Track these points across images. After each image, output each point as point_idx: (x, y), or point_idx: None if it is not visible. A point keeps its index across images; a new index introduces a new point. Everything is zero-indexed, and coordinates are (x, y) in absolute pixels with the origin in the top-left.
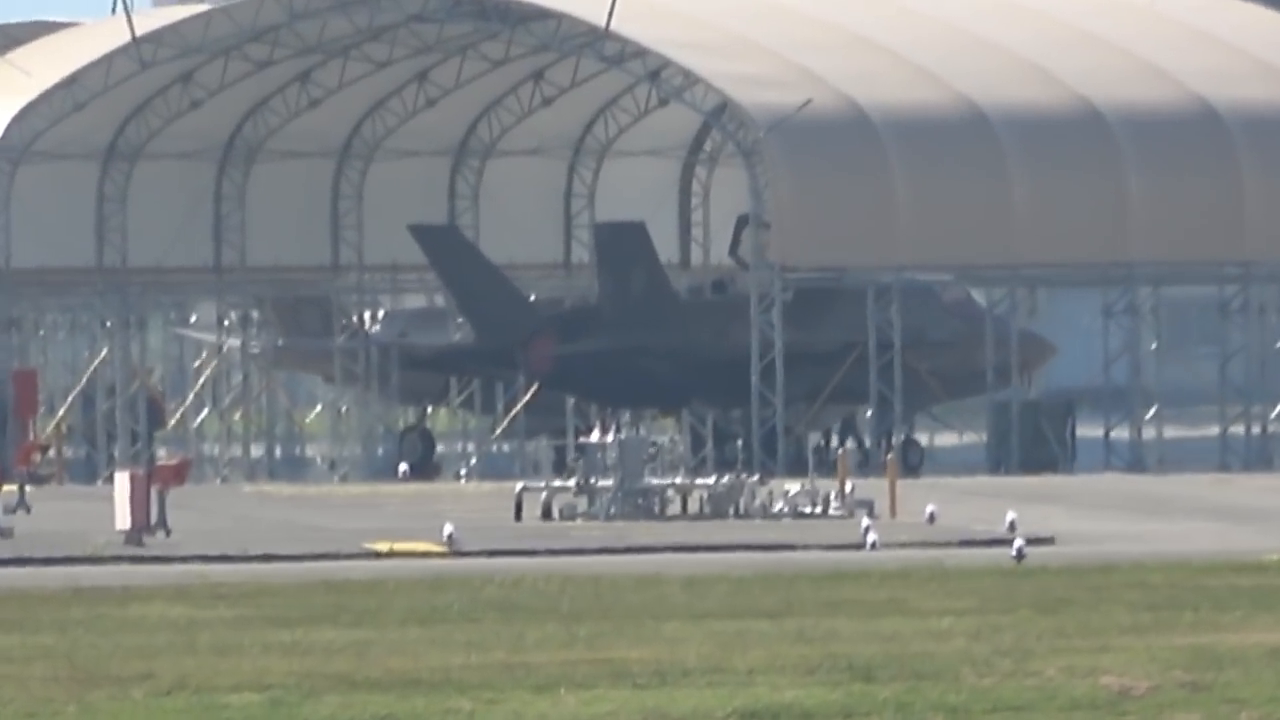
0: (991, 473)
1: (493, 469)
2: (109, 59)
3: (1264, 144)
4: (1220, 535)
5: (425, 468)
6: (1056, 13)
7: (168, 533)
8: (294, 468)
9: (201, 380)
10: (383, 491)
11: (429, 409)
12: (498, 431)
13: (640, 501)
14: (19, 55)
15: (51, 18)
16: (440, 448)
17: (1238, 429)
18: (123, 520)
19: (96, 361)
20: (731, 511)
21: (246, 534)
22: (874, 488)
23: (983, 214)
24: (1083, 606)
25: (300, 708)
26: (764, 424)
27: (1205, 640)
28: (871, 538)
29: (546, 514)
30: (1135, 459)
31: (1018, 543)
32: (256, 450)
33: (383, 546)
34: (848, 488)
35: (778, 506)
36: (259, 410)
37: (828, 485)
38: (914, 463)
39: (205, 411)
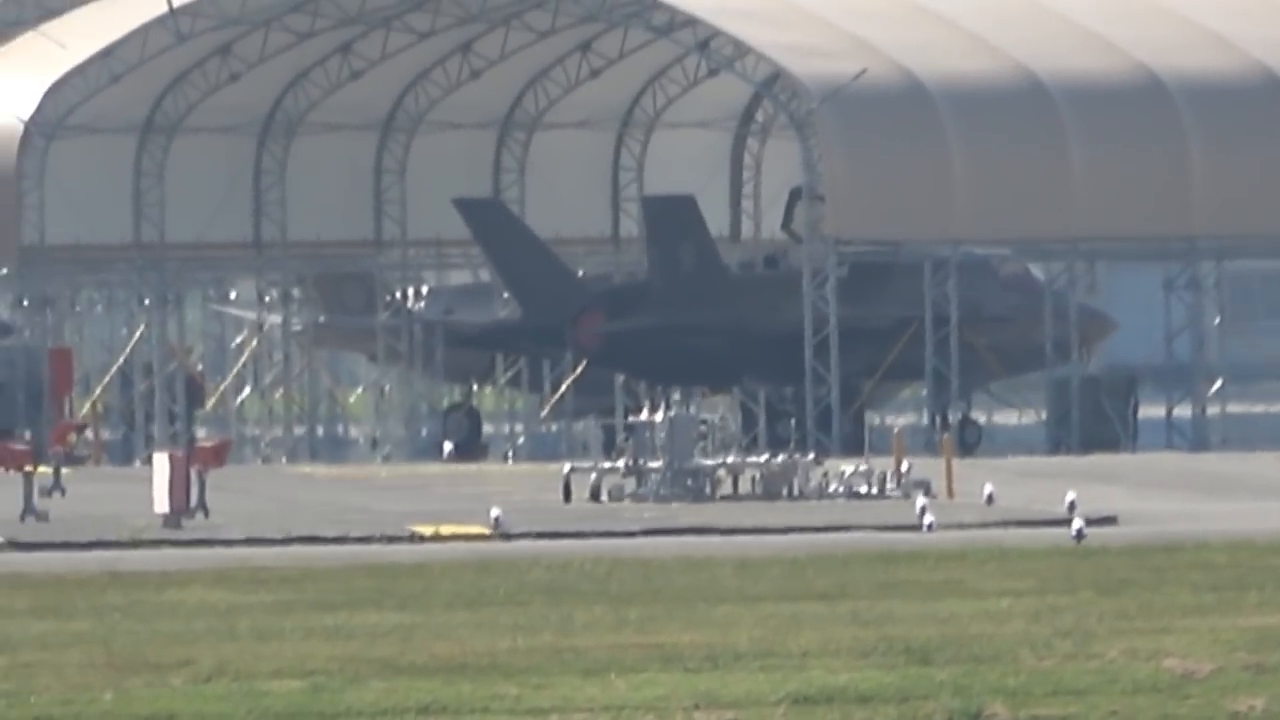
0: (1051, 451)
1: (540, 449)
2: (145, 31)
3: None
4: None
5: (471, 448)
6: None
7: (207, 515)
8: (336, 448)
9: (242, 359)
10: (427, 472)
11: (474, 387)
12: (545, 411)
13: (690, 482)
14: (53, 27)
15: None
16: (486, 427)
17: None
18: (161, 503)
19: (134, 340)
20: (785, 492)
21: (288, 516)
22: (931, 467)
23: (1041, 186)
24: (1144, 587)
25: (343, 694)
26: (818, 402)
27: (1270, 622)
28: (928, 518)
29: (595, 495)
30: (1198, 437)
31: (1077, 523)
32: (298, 430)
33: (428, 529)
34: (904, 467)
35: (832, 487)
36: (300, 389)
37: (884, 465)
38: (971, 441)
39: (246, 391)
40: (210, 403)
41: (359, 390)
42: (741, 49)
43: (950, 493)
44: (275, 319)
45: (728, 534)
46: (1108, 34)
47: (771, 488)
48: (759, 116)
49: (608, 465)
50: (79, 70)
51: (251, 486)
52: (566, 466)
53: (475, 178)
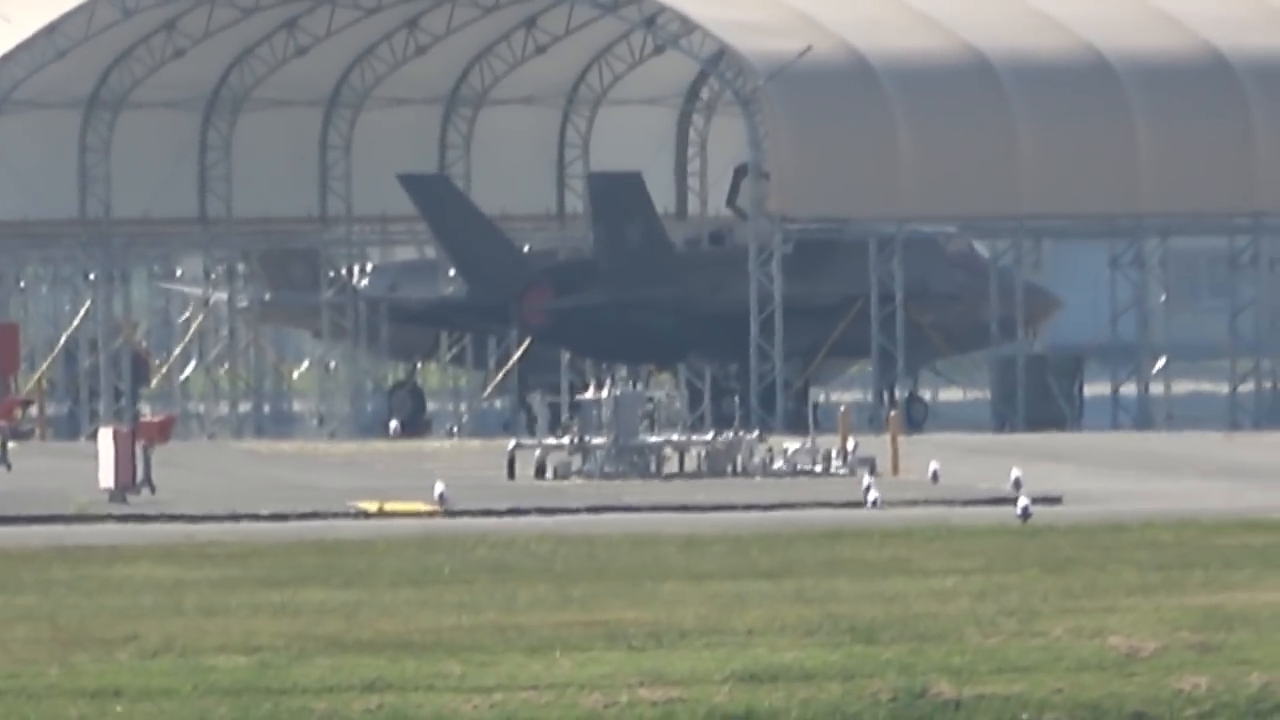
0: (996, 430)
1: (485, 426)
2: (91, 6)
3: (1275, 93)
4: (1230, 493)
5: (416, 425)
6: None
7: (153, 491)
8: (282, 424)
9: (187, 335)
10: (373, 449)
11: (419, 364)
12: (490, 388)
13: (636, 459)
14: None
15: None
16: (431, 404)
17: (1248, 384)
18: (107, 478)
19: (79, 315)
20: (730, 469)
21: (234, 492)
22: (876, 445)
23: (987, 164)
24: (1090, 566)
25: (289, 670)
26: (763, 379)
27: (1214, 600)
28: (873, 496)
29: (540, 472)
30: (1143, 415)
31: (1023, 501)
32: (244, 406)
33: (373, 506)
34: (849, 445)
35: (777, 464)
36: (246, 366)
37: (829, 442)
38: (917, 419)
39: (191, 367)
40: (156, 379)
41: (304, 366)
42: (687, 25)
43: (896, 470)
44: (221, 295)
45: (673, 511)
46: (1054, 12)
47: (717, 465)
48: (704, 93)
49: (553, 442)
50: (24, 46)
51: (197, 462)
52: (511, 443)
53: (421, 154)
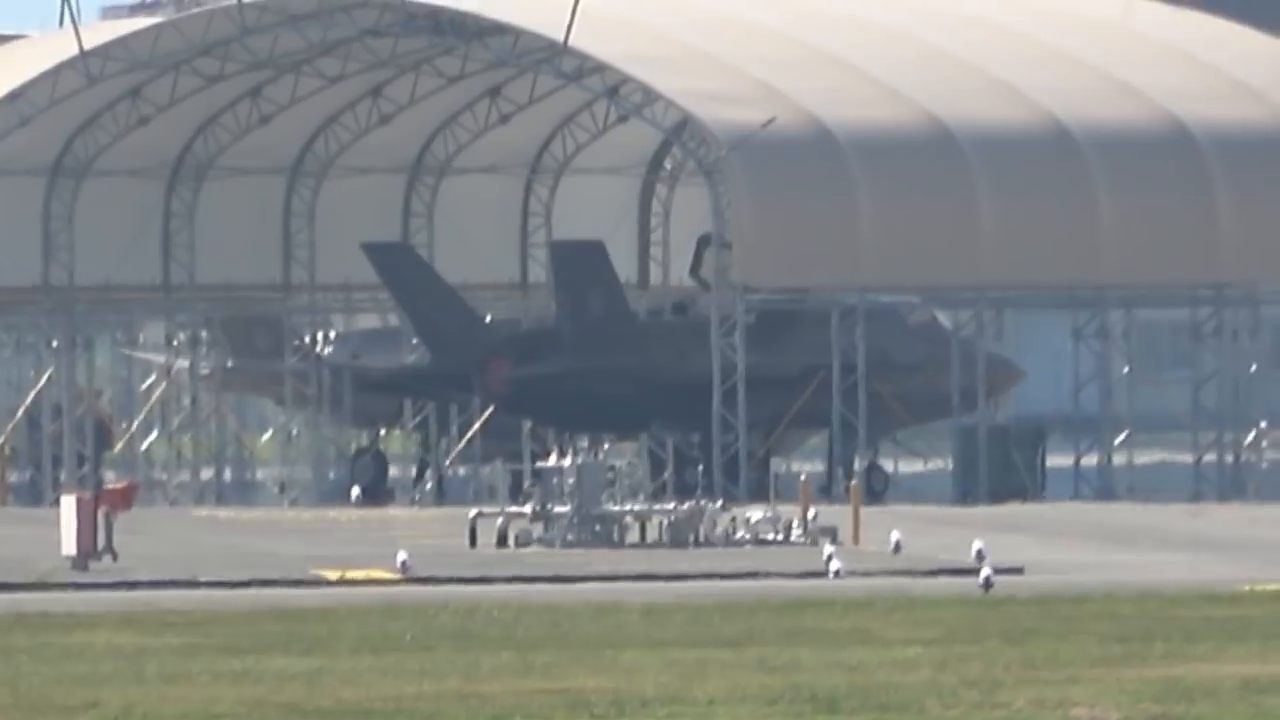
0: (958, 500)
1: (447, 494)
2: (55, 73)
3: (1237, 164)
4: (1192, 565)
5: (378, 492)
6: (1026, 29)
7: (115, 558)
8: (244, 492)
9: (150, 402)
10: (335, 516)
11: (382, 432)
12: (452, 456)
13: (598, 528)
14: None
15: None
16: (393, 471)
17: (1211, 456)
18: (69, 545)
19: (42, 382)
20: (692, 539)
21: (195, 560)
22: (838, 515)
23: (949, 234)
24: (1051, 637)
25: None
26: (726, 449)
27: (1176, 672)
28: (835, 566)
29: (502, 540)
30: (1105, 486)
31: (985, 572)
32: (206, 474)
33: (334, 573)
34: (810, 514)
35: (739, 534)
36: (208, 433)
37: (790, 512)
38: (879, 489)
39: (154, 434)
40: (118, 446)
41: (267, 434)
42: (650, 95)
43: (857, 540)
44: (183, 362)
45: (635, 580)
46: (1017, 83)
47: (679, 534)
48: (668, 163)
49: (515, 510)
50: None
51: (159, 529)
52: (473, 511)
53: (384, 222)
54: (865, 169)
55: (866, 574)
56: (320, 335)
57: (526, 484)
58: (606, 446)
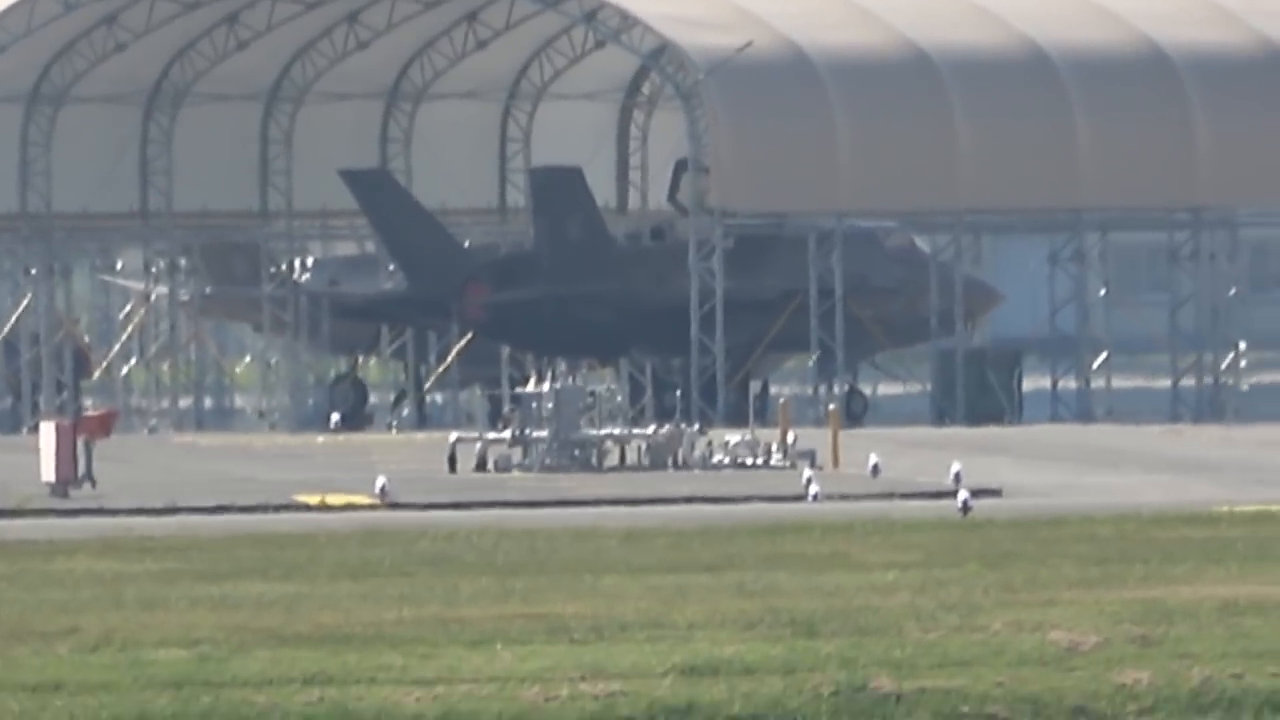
0: (936, 423)
1: (427, 419)
2: (32, 1)
3: (1214, 87)
4: (1170, 487)
5: (357, 418)
6: None
7: (94, 485)
8: (223, 418)
9: (128, 329)
10: (314, 442)
11: (360, 358)
12: (430, 381)
13: (577, 453)
14: None
15: None
16: (372, 398)
17: (1189, 379)
18: (48, 472)
19: (20, 309)
20: (671, 462)
21: (174, 486)
22: (816, 438)
23: (927, 159)
24: (1030, 560)
25: (228, 663)
26: (704, 373)
27: (1155, 594)
28: (813, 490)
29: (481, 466)
30: (1083, 409)
31: (963, 495)
32: (185, 401)
33: (313, 499)
34: (789, 438)
35: (718, 457)
36: (187, 360)
37: (769, 435)
38: (857, 412)
39: (132, 361)
40: (97, 373)
41: (245, 361)
42: (628, 21)
43: (836, 464)
44: (162, 289)
45: (614, 504)
46: (992, 6)
47: (658, 458)
48: (645, 88)
49: (494, 436)
50: None
51: (138, 456)
52: (453, 437)
53: (362, 148)
54: (842, 94)
55: (845, 497)
56: (298, 262)
57: (505, 409)
58: (585, 371)
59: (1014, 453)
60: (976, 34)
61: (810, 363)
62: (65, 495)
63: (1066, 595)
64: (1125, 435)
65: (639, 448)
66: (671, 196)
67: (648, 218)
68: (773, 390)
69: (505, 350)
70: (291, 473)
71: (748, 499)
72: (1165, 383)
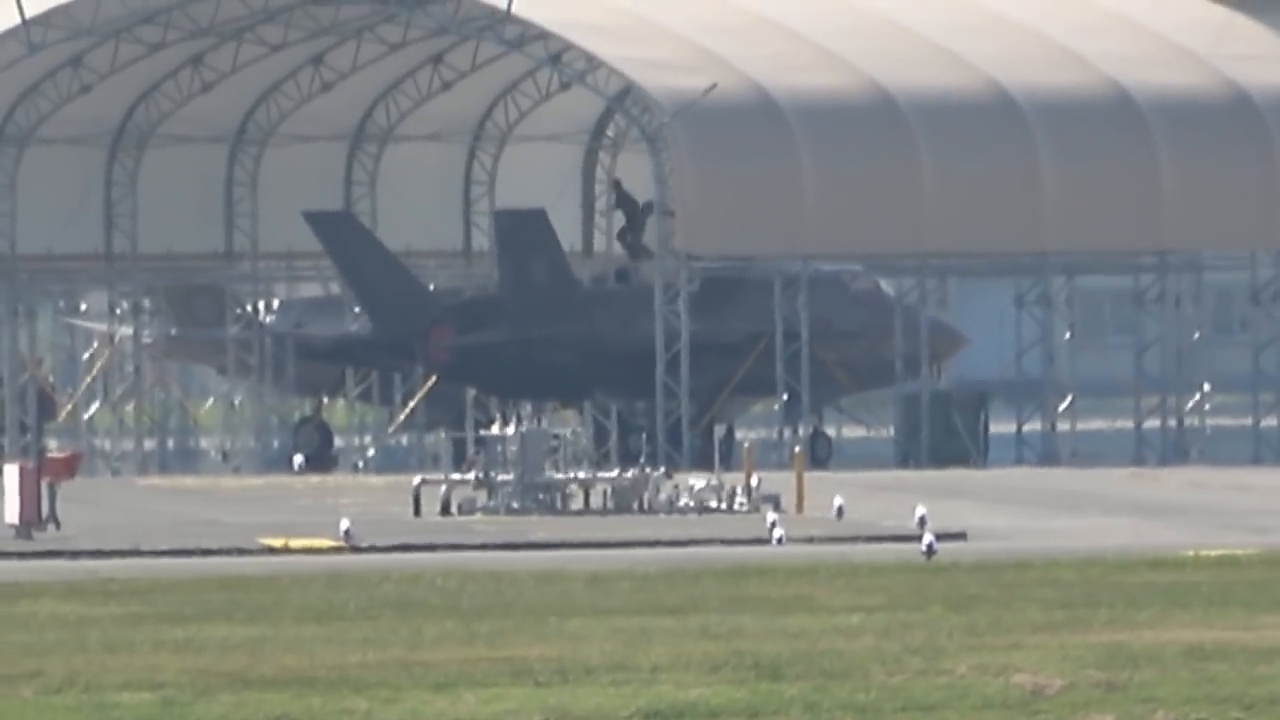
0: (901, 466)
1: (390, 462)
2: None
3: (1180, 131)
4: (1135, 531)
5: (321, 460)
6: None
7: (58, 527)
8: (187, 460)
9: (93, 371)
10: (278, 485)
11: (325, 400)
12: (395, 424)
13: (542, 496)
14: None
15: None
16: (337, 440)
17: (1154, 421)
18: (12, 514)
19: None
20: (636, 506)
21: (139, 528)
22: (781, 481)
23: (893, 202)
24: (995, 603)
25: (193, 707)
26: (669, 416)
27: (1120, 638)
28: (778, 533)
29: (445, 508)
30: (1049, 452)
31: (928, 538)
32: (149, 443)
33: (277, 542)
34: (754, 481)
35: (683, 501)
36: (151, 402)
37: (734, 479)
38: (822, 456)
39: (97, 403)
40: (61, 415)
41: (210, 403)
42: (593, 63)
43: (800, 507)
44: (126, 331)
45: (579, 548)
46: (959, 49)
47: (622, 502)
48: (611, 131)
49: (458, 478)
50: None
51: (103, 498)
52: (417, 479)
53: (327, 190)
54: (808, 136)
55: (810, 541)
56: (263, 304)
57: (470, 452)
58: (550, 414)
59: (979, 496)
60: (943, 77)
61: (776, 406)
62: (29, 537)
63: (1031, 639)
64: (1090, 478)
65: (604, 491)
66: (622, 237)
67: (612, 261)
68: (738, 434)
69: (470, 393)
70: (256, 515)
71: (712, 542)
72: (1130, 425)
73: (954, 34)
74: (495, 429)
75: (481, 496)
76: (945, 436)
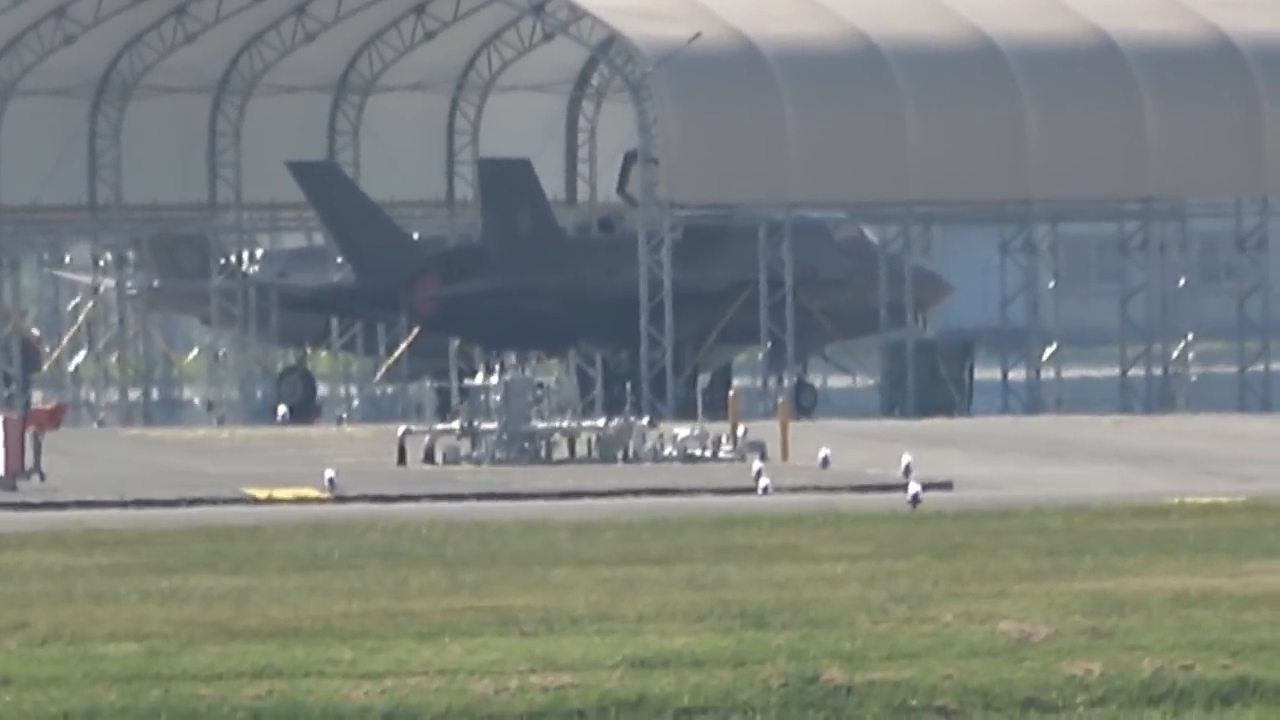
0: (886, 415)
1: (375, 412)
2: None
3: (1164, 78)
4: (1121, 478)
5: (306, 411)
6: None
7: (42, 478)
8: (171, 411)
9: (77, 323)
10: (262, 435)
11: (309, 351)
12: (380, 374)
13: (526, 445)
14: None
15: None
16: (321, 390)
17: (1139, 369)
18: None
19: None
20: (620, 455)
21: (123, 479)
22: (766, 430)
23: (877, 150)
24: (980, 552)
25: (178, 657)
26: (653, 365)
27: (1105, 586)
28: (763, 482)
29: (430, 458)
30: (1033, 400)
31: (913, 487)
32: (133, 393)
33: (261, 492)
34: (739, 430)
35: (668, 450)
36: (135, 353)
37: (719, 428)
38: (807, 405)
39: (81, 354)
40: (46, 366)
41: (194, 353)
42: (576, 12)
43: (786, 456)
44: (110, 282)
45: (563, 497)
46: None
47: (607, 451)
48: (594, 80)
49: (443, 428)
50: None
51: (87, 449)
52: (401, 429)
53: (310, 141)
54: (791, 84)
55: (795, 489)
56: (246, 254)
57: (454, 402)
58: (534, 363)
59: (964, 445)
60: (926, 25)
61: (761, 355)
62: (13, 488)
63: (1017, 587)
64: (1075, 426)
65: (588, 440)
66: (621, 188)
67: (596, 209)
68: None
69: (454, 343)
70: (240, 466)
71: (698, 491)
72: (1115, 373)
73: None
74: (479, 378)
75: (466, 446)
76: (930, 385)
